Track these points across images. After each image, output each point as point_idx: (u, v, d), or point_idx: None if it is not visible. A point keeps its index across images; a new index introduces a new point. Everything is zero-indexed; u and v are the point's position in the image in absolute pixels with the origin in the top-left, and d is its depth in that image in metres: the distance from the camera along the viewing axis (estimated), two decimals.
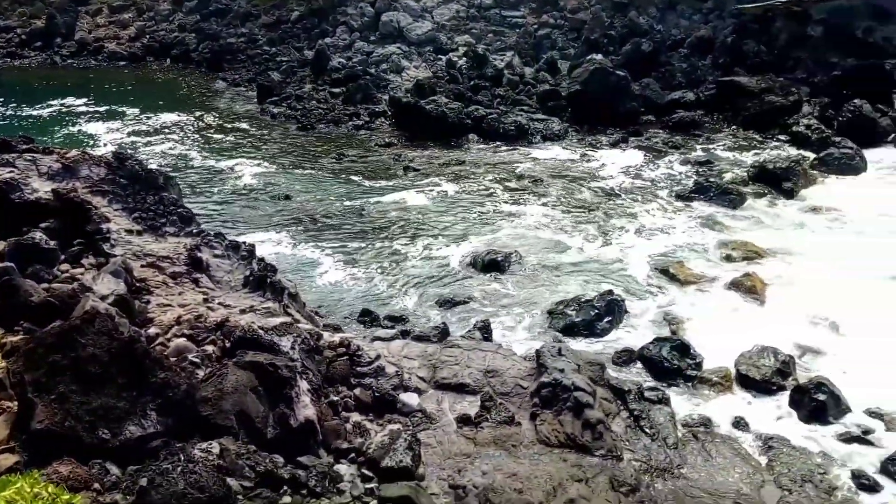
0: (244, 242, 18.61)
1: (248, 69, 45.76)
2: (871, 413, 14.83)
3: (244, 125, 35.52)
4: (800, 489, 12.98)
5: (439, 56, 43.06)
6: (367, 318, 17.56)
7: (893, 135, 30.18)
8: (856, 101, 30.46)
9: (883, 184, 26.08)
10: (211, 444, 10.33)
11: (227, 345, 12.19)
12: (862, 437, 14.28)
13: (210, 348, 12.20)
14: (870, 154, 27.99)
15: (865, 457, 13.86)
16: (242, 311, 14.23)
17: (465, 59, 40.53)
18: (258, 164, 29.61)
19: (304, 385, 11.79)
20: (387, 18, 46.94)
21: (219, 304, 14.45)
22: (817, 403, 14.74)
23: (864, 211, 23.63)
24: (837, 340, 17.23)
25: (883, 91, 32.10)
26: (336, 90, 38.15)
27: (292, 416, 11.20)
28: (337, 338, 14.14)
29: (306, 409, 11.45)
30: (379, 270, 20.58)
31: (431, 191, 25.91)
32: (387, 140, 31.81)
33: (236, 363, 11.31)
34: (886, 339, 16.82)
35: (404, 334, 16.29)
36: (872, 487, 13.08)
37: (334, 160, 29.72)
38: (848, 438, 14.26)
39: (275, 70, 43.49)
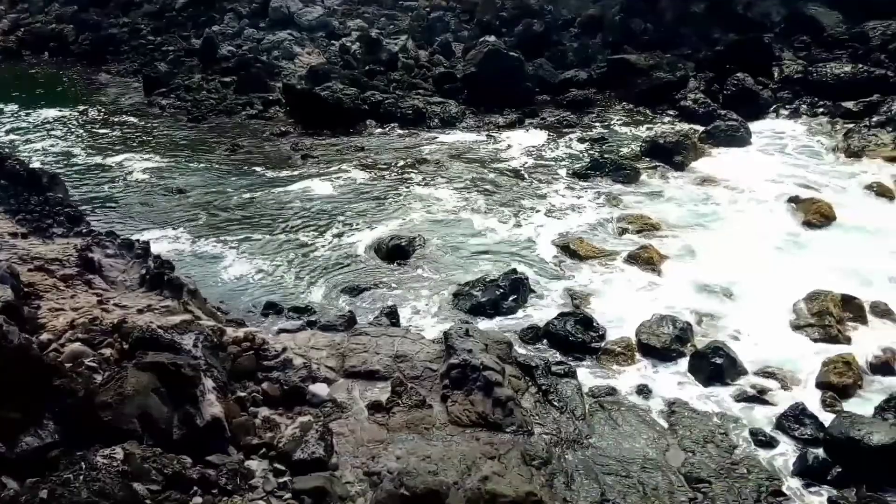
0: (138, 240, 18.04)
1: (132, 60, 43.96)
2: (765, 373, 15.53)
3: (132, 118, 34.16)
4: (702, 450, 13.50)
5: (332, 42, 42.38)
6: (272, 310, 17.27)
7: (774, 106, 31.50)
8: (738, 74, 31.66)
9: (766, 154, 27.24)
10: (114, 449, 9.98)
11: (126, 346, 11.81)
12: (758, 397, 14.93)
13: (107, 351, 11.79)
14: (754, 126, 29.16)
15: (762, 415, 14.52)
16: (140, 311, 13.78)
17: (358, 44, 40.08)
18: (149, 159, 28.53)
19: (209, 383, 11.51)
20: (276, 4, 45.86)
21: (114, 305, 13.95)
22: (715, 367, 15.34)
23: (750, 181, 24.62)
24: (731, 306, 17.95)
25: (763, 64, 33.42)
26: (227, 79, 37.00)
27: (198, 415, 10.93)
28: (241, 332, 13.86)
29: (213, 406, 11.19)
30: (284, 262, 20.27)
31: (334, 179, 25.57)
32: (282, 129, 31.13)
33: (136, 365, 10.94)
34: (775, 303, 17.65)
35: (311, 325, 16.11)
36: (769, 443, 13.73)
37: (229, 151, 28.90)
38: (745, 398, 14.90)
39: (161, 61, 41.94)
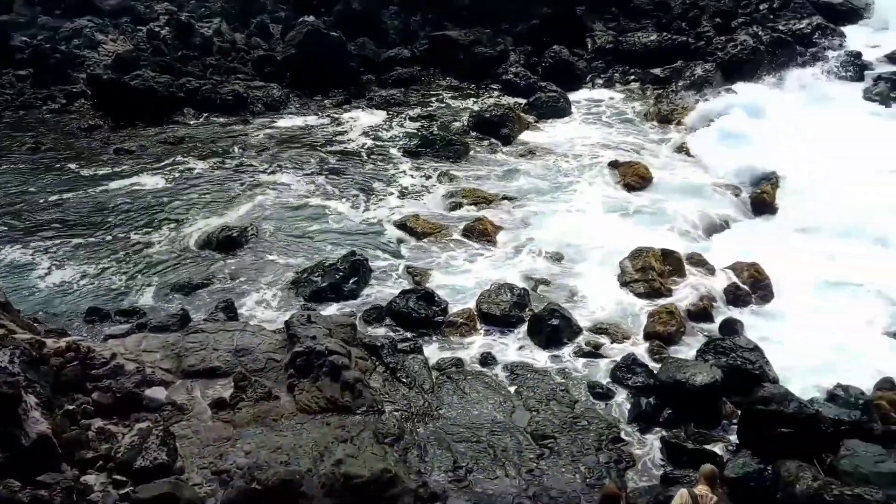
0: None
1: None
2: (599, 330, 16.31)
3: None
4: (546, 408, 14.02)
5: (139, 27, 39.83)
6: (96, 316, 16.33)
7: (590, 76, 32.85)
8: (555, 47, 32.75)
9: (586, 123, 28.41)
10: None
11: None
12: (593, 353, 15.67)
13: None
14: (573, 96, 30.36)
15: (597, 369, 15.27)
16: None
17: (168, 28, 38.09)
18: None
19: (31, 400, 10.77)
20: None
21: None
22: (552, 328, 15.94)
23: (573, 149, 25.63)
24: (563, 269, 18.69)
25: (577, 36, 34.73)
26: (22, 72, 34.11)
27: (23, 435, 10.21)
28: (63, 343, 13.01)
29: (38, 424, 10.48)
30: (107, 264, 19.13)
31: (156, 172, 24.21)
32: (91, 123, 28.79)
33: None
34: (603, 263, 18.55)
35: (140, 327, 15.39)
36: (606, 395, 14.45)
37: (31, 150, 26.57)
38: (582, 355, 15.61)
39: None
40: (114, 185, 23.49)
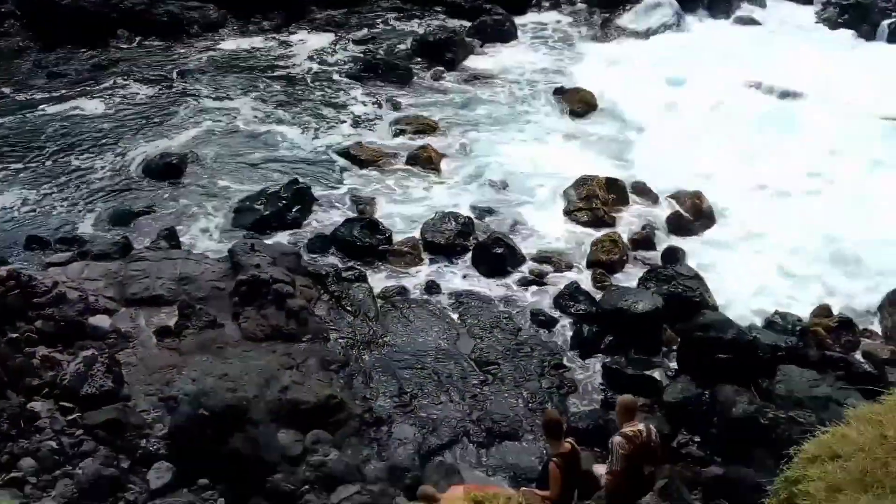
0: None
1: None
2: (543, 258, 16.56)
3: None
4: (489, 335, 14.34)
5: None
6: (36, 244, 15.98)
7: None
8: None
9: (533, 48, 28.07)
10: None
11: None
12: (537, 281, 15.95)
13: None
14: (520, 20, 29.78)
15: (541, 297, 15.57)
16: None
17: None
18: None
19: None
20: None
21: None
22: (496, 257, 16.15)
23: (519, 75, 25.41)
24: (508, 198, 18.80)
25: None
26: None
27: None
28: (3, 271, 12.80)
29: None
30: (45, 192, 18.56)
31: (94, 97, 23.10)
32: (21, 45, 27.73)
33: None
34: (548, 191, 18.72)
35: (82, 255, 15.14)
36: (549, 323, 14.80)
37: None
38: (525, 284, 15.87)
39: None
40: (50, 109, 22.54)
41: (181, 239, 16.47)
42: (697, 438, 12.20)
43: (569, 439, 7.98)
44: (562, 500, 7.59)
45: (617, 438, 7.44)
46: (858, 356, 13.69)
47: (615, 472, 7.43)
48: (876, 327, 14.76)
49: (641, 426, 7.51)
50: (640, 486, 7.64)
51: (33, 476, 10.23)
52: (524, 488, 7.66)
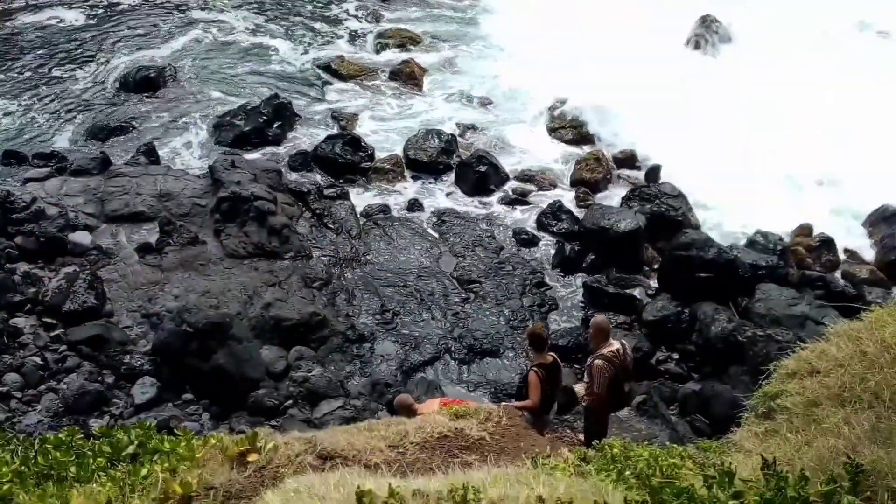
0: None
1: None
2: (526, 177, 16.46)
3: None
4: (472, 254, 14.37)
5: None
6: (13, 159, 15.67)
7: None
8: None
9: None
10: None
11: None
12: (520, 199, 15.91)
13: None
14: None
15: (524, 216, 15.56)
16: None
17: None
18: None
19: None
20: None
21: None
22: (479, 175, 16.04)
23: None
24: (492, 115, 18.57)
25: None
26: None
27: None
28: None
29: None
30: (20, 106, 18.12)
31: (72, 6, 22.35)
32: None
33: None
34: (532, 109, 18.48)
35: (60, 171, 14.91)
36: (531, 241, 14.83)
37: None
38: (508, 202, 15.82)
39: None
40: (28, 19, 21.79)
41: (160, 154, 16.20)
42: (676, 356, 12.40)
43: (551, 353, 8.07)
44: (540, 408, 7.71)
45: (598, 363, 7.49)
46: (838, 276, 13.87)
47: (598, 395, 7.53)
48: (858, 245, 14.85)
49: (617, 345, 7.59)
50: (619, 402, 7.78)
51: (18, 391, 10.30)
52: (504, 403, 7.78)
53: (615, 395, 7.52)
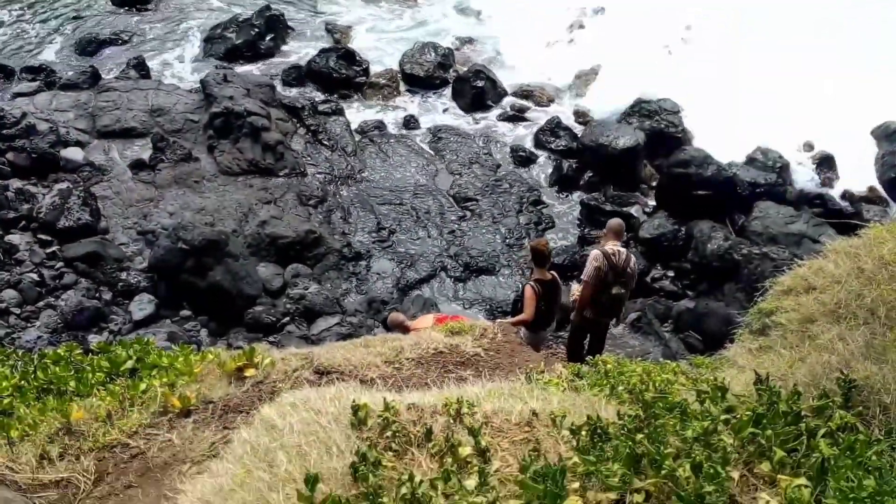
0: None
1: None
2: (524, 93, 16.20)
3: None
4: (468, 171, 14.25)
5: None
6: (1, 73, 15.38)
7: None
8: None
9: None
10: None
11: None
12: (518, 116, 15.69)
13: None
14: None
15: (521, 133, 15.37)
16: None
17: None
18: None
19: None
20: None
21: None
22: (477, 90, 15.79)
23: None
24: (489, 28, 18.19)
25: None
26: None
27: None
28: None
29: None
30: (6, 18, 17.73)
31: None
32: None
33: None
34: (531, 21, 18.05)
35: (49, 86, 14.65)
36: (528, 159, 14.70)
37: None
38: (506, 118, 15.61)
39: None
40: None
41: (150, 68, 15.91)
42: (671, 273, 12.45)
43: (552, 272, 8.05)
44: (537, 324, 7.73)
45: (594, 251, 7.50)
46: (836, 194, 13.82)
47: (585, 283, 7.55)
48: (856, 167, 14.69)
49: (622, 248, 7.57)
50: (609, 305, 7.74)
51: (17, 307, 10.34)
52: (499, 320, 7.80)
53: (604, 293, 7.48)
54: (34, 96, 13.98)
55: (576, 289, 8.28)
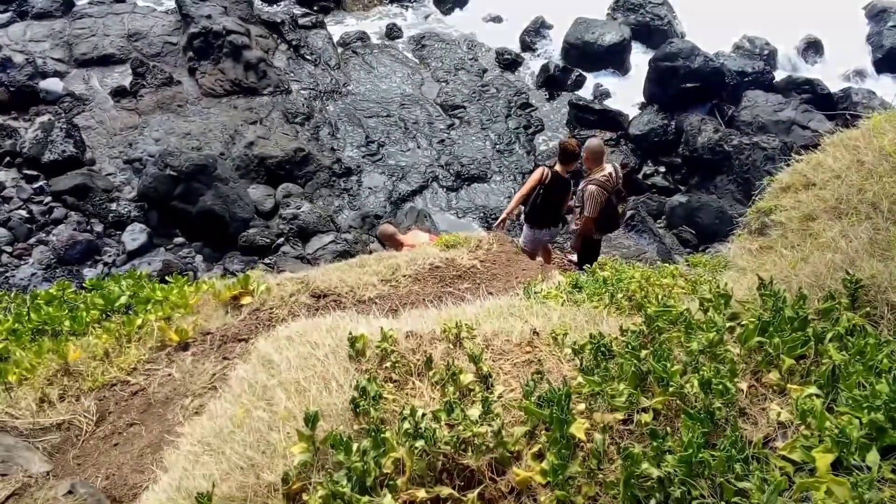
0: None
1: None
2: None
3: None
4: (454, 78, 13.98)
5: None
6: None
7: None
8: None
9: None
10: None
11: None
12: (500, 17, 15.31)
13: None
14: None
15: (506, 36, 15.02)
16: None
17: None
18: None
19: None
20: None
21: None
22: None
23: None
24: None
25: None
26: None
27: None
28: None
29: None
30: None
31: None
32: None
33: None
34: None
35: (21, 15, 14.19)
36: (514, 62, 14.40)
37: None
38: (489, 20, 15.23)
39: None
40: None
41: None
42: (662, 169, 12.36)
43: (570, 171, 7.86)
44: (540, 219, 7.58)
45: (591, 188, 7.28)
46: (823, 78, 13.62)
47: (590, 218, 7.43)
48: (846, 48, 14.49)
49: (610, 168, 7.42)
50: (612, 224, 7.71)
51: (8, 245, 10.25)
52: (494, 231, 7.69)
53: (608, 217, 7.43)
54: (7, 28, 13.57)
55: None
